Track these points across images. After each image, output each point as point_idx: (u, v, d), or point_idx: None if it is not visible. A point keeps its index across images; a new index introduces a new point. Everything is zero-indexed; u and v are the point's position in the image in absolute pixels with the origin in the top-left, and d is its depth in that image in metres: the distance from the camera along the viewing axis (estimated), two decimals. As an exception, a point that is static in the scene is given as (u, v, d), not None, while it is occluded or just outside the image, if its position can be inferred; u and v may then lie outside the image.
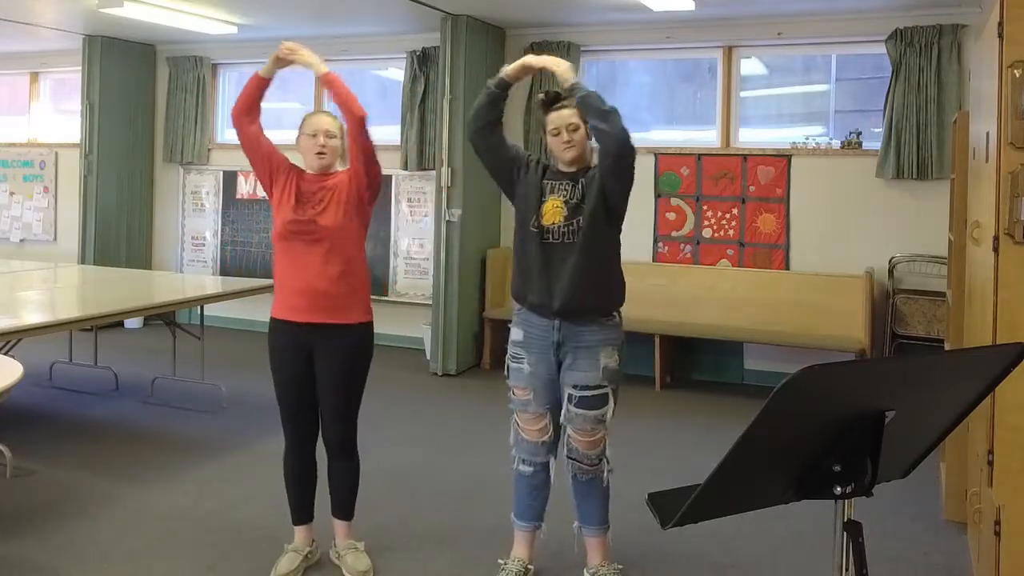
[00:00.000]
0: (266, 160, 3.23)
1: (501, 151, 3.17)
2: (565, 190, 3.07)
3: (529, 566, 3.25)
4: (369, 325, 3.24)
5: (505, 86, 3.16)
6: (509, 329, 3.22)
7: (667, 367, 6.50)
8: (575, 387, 3.05)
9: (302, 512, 3.34)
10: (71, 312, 5.04)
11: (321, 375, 3.18)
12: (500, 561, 3.28)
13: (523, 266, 3.12)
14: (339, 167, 3.26)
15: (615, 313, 3.14)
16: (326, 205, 3.14)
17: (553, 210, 3.06)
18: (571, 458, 3.13)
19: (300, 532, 3.35)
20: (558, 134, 3.06)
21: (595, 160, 3.16)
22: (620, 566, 3.27)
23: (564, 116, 3.06)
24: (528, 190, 3.11)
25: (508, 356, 3.19)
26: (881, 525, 3.85)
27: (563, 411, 3.09)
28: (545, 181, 3.11)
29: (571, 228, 3.04)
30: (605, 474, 3.16)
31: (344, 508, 3.32)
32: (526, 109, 7.13)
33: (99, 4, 6.43)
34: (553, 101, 3.11)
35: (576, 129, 3.06)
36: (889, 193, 6.21)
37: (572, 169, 3.12)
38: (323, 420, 3.24)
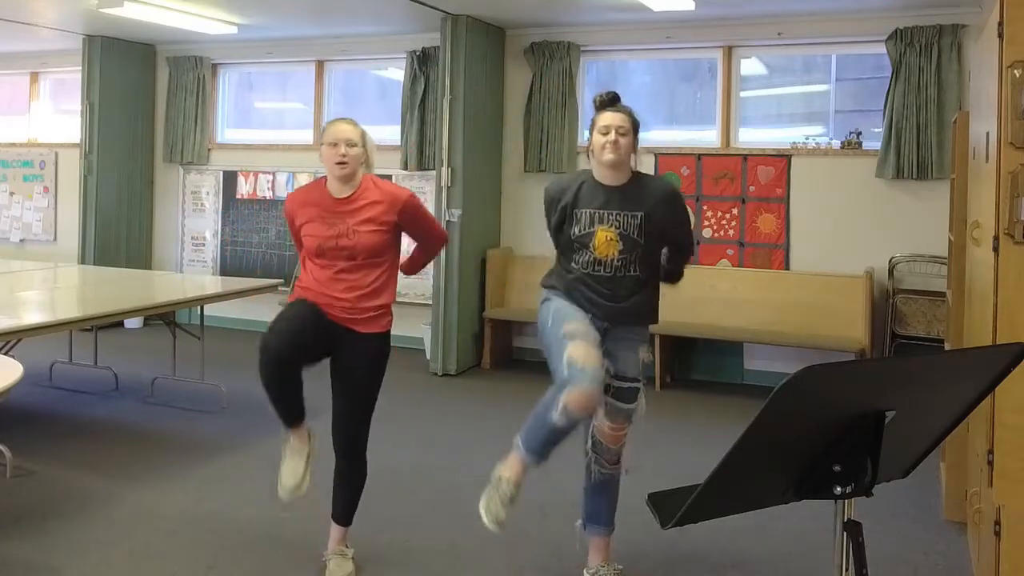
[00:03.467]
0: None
1: (564, 226, 3.09)
2: (618, 221, 3.01)
3: (519, 485, 2.97)
4: (388, 334, 3.25)
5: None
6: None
7: (667, 367, 6.49)
8: (615, 377, 3.05)
9: (293, 411, 3.14)
10: (71, 312, 5.04)
11: (340, 378, 3.17)
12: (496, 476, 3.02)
13: (569, 287, 3.07)
14: (363, 171, 3.24)
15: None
16: (358, 225, 3.12)
17: (607, 243, 3.00)
18: (595, 451, 3.13)
19: (296, 433, 3.18)
20: (607, 133, 3.01)
21: (636, 164, 3.14)
22: (620, 567, 3.27)
23: (617, 118, 3.03)
24: (573, 224, 3.05)
25: (548, 306, 3.05)
26: (881, 525, 3.85)
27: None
28: (593, 211, 3.03)
29: (626, 260, 3.02)
30: (620, 475, 3.18)
31: (344, 512, 3.30)
32: (526, 110, 7.13)
33: (99, 4, 6.43)
34: (608, 102, 3.08)
35: (625, 134, 3.02)
36: (889, 193, 6.21)
37: (617, 183, 3.06)
38: (335, 422, 3.22)
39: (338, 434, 3.23)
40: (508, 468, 2.99)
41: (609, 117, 3.02)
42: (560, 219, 3.10)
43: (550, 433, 2.97)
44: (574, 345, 2.89)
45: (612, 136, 2.99)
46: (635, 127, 3.06)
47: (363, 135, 3.20)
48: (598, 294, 3.05)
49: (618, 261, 3.01)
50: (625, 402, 3.08)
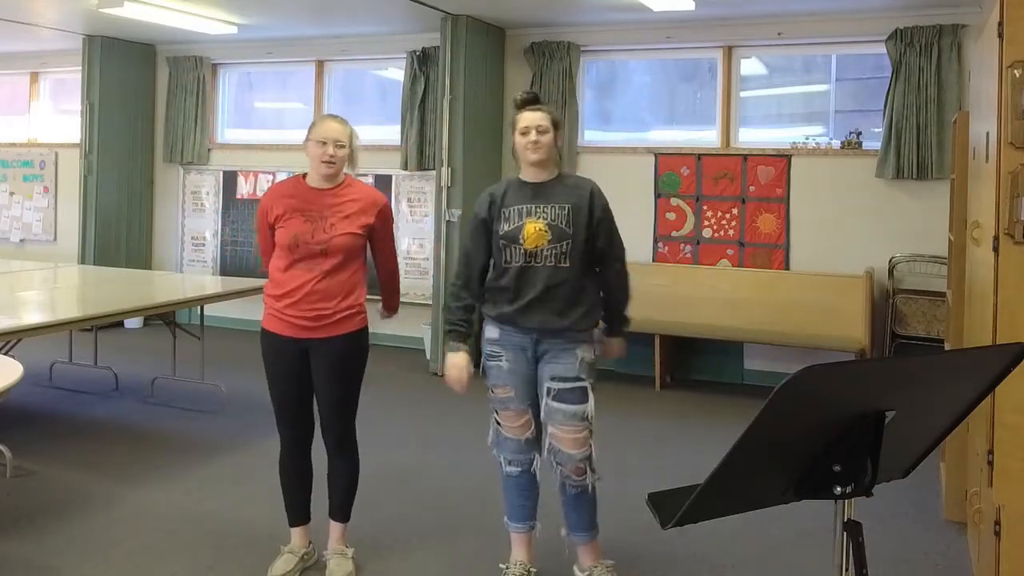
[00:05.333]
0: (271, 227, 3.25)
1: (490, 250, 3.14)
2: (546, 212, 3.04)
3: (532, 568, 3.24)
4: (363, 331, 3.23)
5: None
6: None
7: (667, 367, 6.50)
8: (553, 379, 3.03)
9: (298, 513, 3.34)
10: (71, 312, 5.04)
11: (317, 376, 3.19)
12: (502, 566, 3.27)
13: (499, 289, 3.09)
14: (347, 170, 3.25)
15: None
16: (337, 222, 3.12)
17: (536, 233, 3.01)
18: (558, 463, 3.07)
19: (297, 533, 3.35)
20: (527, 133, 3.04)
21: (562, 160, 3.21)
22: (612, 562, 3.24)
23: (535, 117, 3.04)
24: (501, 222, 3.07)
25: (484, 355, 3.16)
26: (881, 525, 3.85)
27: (543, 407, 3.07)
28: (521, 206, 3.06)
29: (556, 252, 3.02)
30: (592, 484, 3.11)
31: (340, 509, 3.31)
32: (526, 109, 7.12)
33: (99, 4, 6.43)
34: (528, 102, 3.10)
35: (545, 132, 3.04)
36: (889, 193, 6.21)
37: (541, 179, 3.09)
38: (321, 419, 3.25)
39: (326, 433, 3.25)
40: (513, 554, 3.23)
41: (528, 117, 3.05)
42: (491, 222, 3.10)
43: (513, 486, 3.18)
44: (498, 412, 3.16)
45: (532, 136, 3.03)
46: (556, 123, 3.09)
47: (351, 134, 3.19)
48: (532, 296, 3.01)
49: (547, 251, 3.01)
50: (569, 403, 3.02)
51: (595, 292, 3.14)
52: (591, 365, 3.08)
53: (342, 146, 3.13)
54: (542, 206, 3.04)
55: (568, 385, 3.02)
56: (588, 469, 3.07)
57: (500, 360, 3.10)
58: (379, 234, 3.25)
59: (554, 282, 3.02)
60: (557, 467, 3.08)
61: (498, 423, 3.17)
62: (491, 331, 3.14)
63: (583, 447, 3.04)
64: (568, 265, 3.03)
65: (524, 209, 3.05)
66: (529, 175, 3.11)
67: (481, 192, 3.25)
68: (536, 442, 3.15)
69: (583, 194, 3.08)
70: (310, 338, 3.13)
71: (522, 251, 3.02)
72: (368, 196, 3.23)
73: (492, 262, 3.14)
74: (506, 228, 3.05)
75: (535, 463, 3.16)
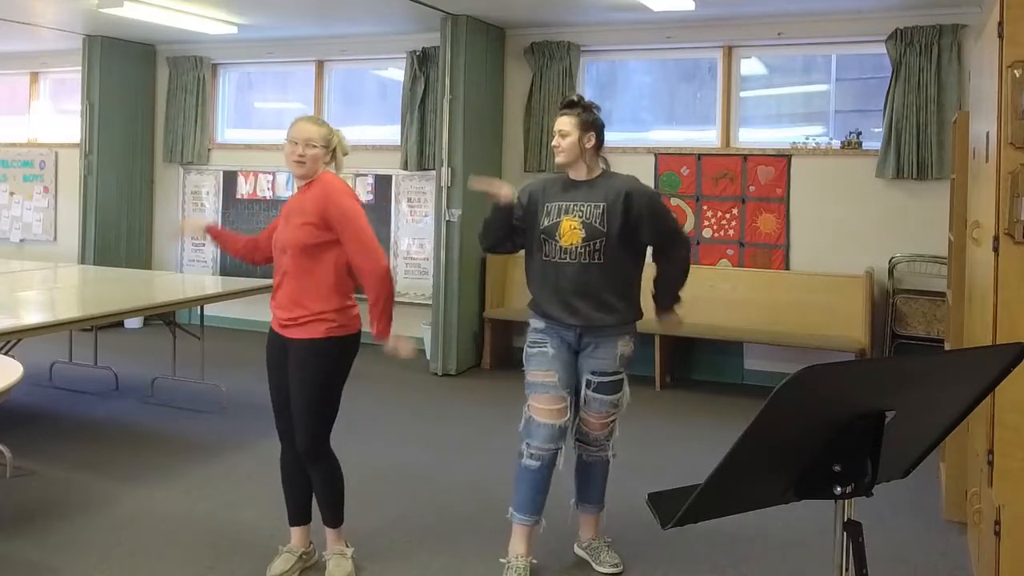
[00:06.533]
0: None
1: (525, 230, 3.28)
2: (581, 211, 3.17)
3: (533, 560, 3.29)
4: (331, 340, 3.12)
5: (499, 209, 3.24)
6: (527, 324, 3.34)
7: (667, 367, 6.49)
8: (593, 373, 3.20)
9: (297, 513, 3.34)
10: (71, 312, 5.03)
11: (290, 383, 3.18)
12: (502, 560, 3.29)
13: (540, 283, 3.25)
14: (332, 169, 3.25)
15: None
16: (298, 219, 3.13)
17: (570, 231, 3.16)
18: (580, 441, 3.28)
19: (296, 533, 3.34)
20: (553, 137, 3.23)
21: (602, 165, 3.28)
22: (610, 539, 3.45)
23: (561, 122, 3.22)
24: (543, 216, 3.22)
25: (527, 344, 3.28)
26: (881, 525, 3.85)
27: (581, 395, 3.21)
28: (561, 203, 3.20)
29: (590, 249, 3.15)
30: (609, 455, 3.32)
31: (326, 515, 3.28)
32: (526, 110, 7.13)
33: (99, 4, 6.43)
34: (563, 105, 3.26)
35: (566, 135, 3.19)
36: (889, 193, 6.21)
37: (583, 177, 3.23)
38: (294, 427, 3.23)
39: (296, 436, 3.20)
40: (513, 546, 3.28)
41: (557, 122, 3.23)
42: (533, 212, 3.25)
43: (529, 479, 3.22)
44: (535, 397, 3.20)
45: (555, 140, 3.21)
46: (585, 126, 3.18)
47: (327, 136, 3.18)
48: (569, 290, 3.17)
49: (581, 247, 3.15)
50: (607, 394, 3.22)
51: (635, 287, 3.29)
52: (628, 357, 3.27)
53: (312, 146, 3.13)
54: (579, 204, 3.19)
55: (606, 379, 3.21)
56: (607, 442, 3.29)
57: (545, 347, 3.22)
58: (336, 228, 3.08)
59: (586, 278, 3.16)
60: (578, 443, 3.30)
61: (532, 408, 3.22)
62: (537, 322, 3.27)
63: (606, 429, 3.28)
64: (601, 262, 3.16)
65: (564, 207, 3.20)
66: (571, 173, 3.26)
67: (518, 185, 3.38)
68: (567, 430, 3.25)
69: (620, 193, 3.19)
70: (287, 337, 3.16)
71: (558, 247, 3.17)
72: (322, 187, 3.13)
73: (529, 254, 3.29)
74: (546, 223, 3.21)
75: (560, 456, 3.23)
